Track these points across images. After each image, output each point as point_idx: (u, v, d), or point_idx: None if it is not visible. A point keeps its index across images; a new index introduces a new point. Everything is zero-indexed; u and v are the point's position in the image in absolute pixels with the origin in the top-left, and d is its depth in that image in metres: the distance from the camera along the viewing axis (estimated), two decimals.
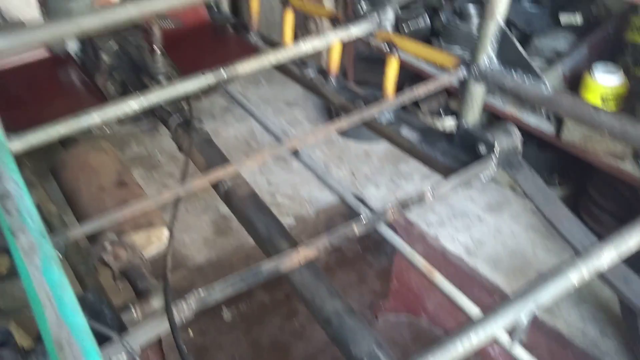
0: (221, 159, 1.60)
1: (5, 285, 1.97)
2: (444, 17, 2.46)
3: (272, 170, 2.54)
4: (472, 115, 1.42)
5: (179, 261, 2.04)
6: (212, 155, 1.63)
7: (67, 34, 0.70)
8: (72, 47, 2.17)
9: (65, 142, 1.83)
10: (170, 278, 1.17)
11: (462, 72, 1.36)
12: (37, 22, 0.57)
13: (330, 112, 2.93)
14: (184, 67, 1.97)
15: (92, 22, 0.70)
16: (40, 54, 2.12)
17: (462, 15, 2.33)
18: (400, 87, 1.74)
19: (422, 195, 1.21)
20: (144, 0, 0.75)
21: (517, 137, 1.35)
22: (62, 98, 1.97)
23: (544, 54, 2.25)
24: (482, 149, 1.31)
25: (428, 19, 2.60)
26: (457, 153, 1.41)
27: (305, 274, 1.17)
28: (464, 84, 1.39)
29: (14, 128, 1.08)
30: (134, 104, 1.29)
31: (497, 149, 1.28)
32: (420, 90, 1.33)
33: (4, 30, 0.67)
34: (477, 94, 1.38)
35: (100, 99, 1.95)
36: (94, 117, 1.22)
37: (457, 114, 2.61)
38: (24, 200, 0.49)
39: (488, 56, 1.29)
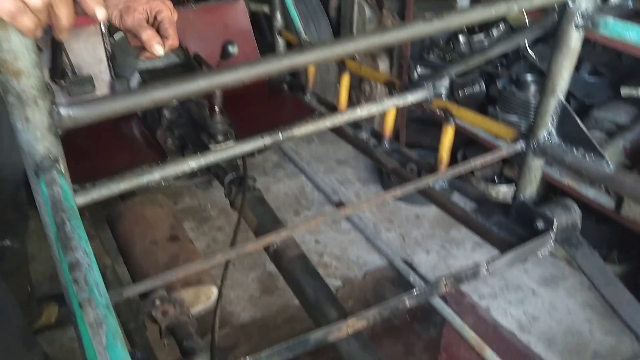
0: (273, 220, 1.61)
1: (54, 334, 2.01)
2: (500, 84, 2.45)
3: (321, 228, 2.54)
4: (530, 189, 1.39)
5: (223, 318, 2.03)
6: (263, 215, 1.64)
7: (140, 105, 0.73)
8: None
9: (123, 194, 1.89)
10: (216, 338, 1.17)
11: (520, 145, 1.34)
12: (110, 95, 0.60)
13: (382, 173, 2.93)
14: (241, 124, 2.03)
15: (164, 94, 0.73)
16: None
17: (519, 84, 2.32)
18: (454, 150, 1.73)
19: (477, 269, 1.18)
20: (215, 74, 0.77)
21: (576, 214, 1.31)
22: (122, 150, 2.05)
23: (604, 126, 2.20)
24: (540, 224, 1.28)
25: (484, 85, 2.61)
26: (513, 226, 1.38)
27: (353, 344, 1.14)
28: (521, 157, 1.37)
29: (75, 179, 1.12)
30: (192, 163, 1.33)
31: (555, 225, 1.25)
32: (476, 162, 1.32)
33: (81, 101, 0.70)
34: (535, 167, 1.35)
35: (159, 152, 2.01)
36: (155, 175, 1.25)
37: (512, 181, 2.57)
38: (92, 272, 0.50)
39: (548, 131, 1.27)
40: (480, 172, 2.64)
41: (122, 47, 2.34)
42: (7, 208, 1.69)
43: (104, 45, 2.21)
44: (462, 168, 1.33)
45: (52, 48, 2.04)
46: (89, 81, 2.10)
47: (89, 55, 2.20)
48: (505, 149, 1.35)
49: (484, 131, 2.35)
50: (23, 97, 0.64)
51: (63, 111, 0.69)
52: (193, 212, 2.68)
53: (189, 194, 2.79)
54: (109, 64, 2.24)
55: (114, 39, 2.31)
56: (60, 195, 0.61)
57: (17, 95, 0.64)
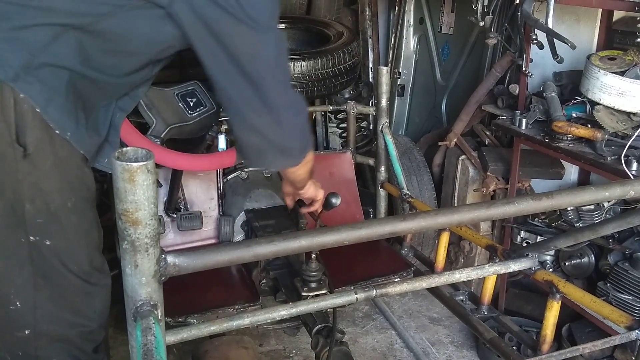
0: None
1: None
2: (612, 259, 2.31)
3: None
4: None
5: None
6: None
7: (243, 259, 0.76)
8: (237, 237, 2.35)
9: None
10: None
11: (635, 334, 1.22)
12: (215, 247, 0.64)
13: (478, 338, 2.76)
14: (335, 270, 2.01)
15: (266, 250, 0.76)
16: (207, 238, 2.32)
17: (634, 261, 2.17)
18: (558, 324, 1.59)
19: None
20: (317, 234, 0.79)
21: None
22: (217, 284, 2.08)
23: None
24: None
25: (593, 258, 2.46)
26: None
27: None
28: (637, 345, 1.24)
29: (168, 310, 1.13)
30: (283, 312, 1.32)
31: None
32: (585, 348, 1.21)
33: (188, 251, 0.74)
34: None
35: (252, 291, 2.03)
36: (245, 320, 1.25)
37: None
38: None
39: None
40: (589, 353, 2.42)
41: (233, 187, 2.48)
42: None
43: (217, 184, 2.36)
44: (567, 353, 1.22)
45: (170, 183, 2.20)
46: (198, 217, 2.23)
47: (202, 192, 2.35)
48: (618, 337, 1.24)
49: None
50: (136, 244, 0.68)
51: (170, 259, 0.73)
52: (277, 357, 2.63)
53: (275, 336, 2.76)
54: (219, 202, 2.37)
55: (227, 179, 2.46)
56: (153, 345, 0.62)
57: (131, 242, 0.68)
